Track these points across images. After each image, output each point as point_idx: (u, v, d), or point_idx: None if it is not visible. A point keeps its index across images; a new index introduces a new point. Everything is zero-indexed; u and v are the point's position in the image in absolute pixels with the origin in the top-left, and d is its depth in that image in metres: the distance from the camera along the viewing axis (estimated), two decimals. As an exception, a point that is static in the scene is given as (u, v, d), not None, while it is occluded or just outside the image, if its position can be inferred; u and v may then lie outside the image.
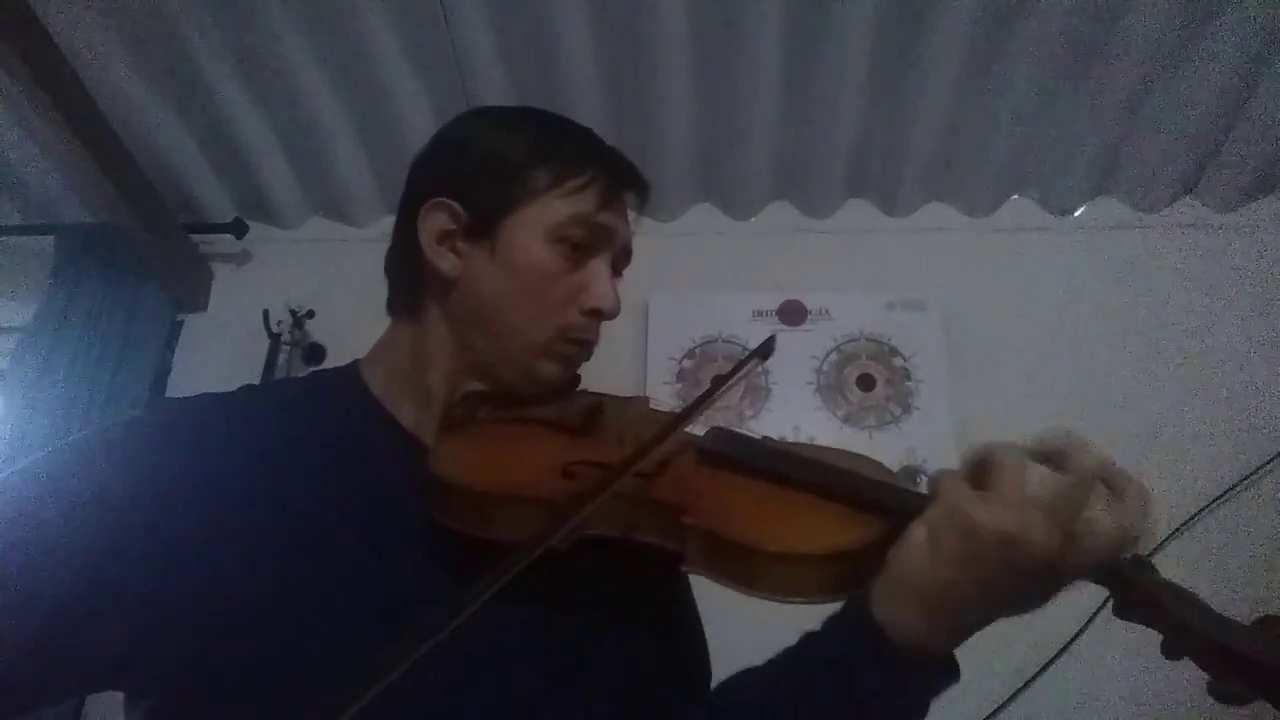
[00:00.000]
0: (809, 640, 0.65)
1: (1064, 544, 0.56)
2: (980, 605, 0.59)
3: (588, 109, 1.95)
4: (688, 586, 0.86)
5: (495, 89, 1.96)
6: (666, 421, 0.72)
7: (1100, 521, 0.57)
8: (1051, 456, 0.60)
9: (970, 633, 0.61)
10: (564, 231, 0.78)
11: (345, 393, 0.82)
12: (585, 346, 0.82)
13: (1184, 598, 0.57)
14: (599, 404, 0.80)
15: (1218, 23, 1.79)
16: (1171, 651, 0.57)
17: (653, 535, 0.66)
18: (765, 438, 0.77)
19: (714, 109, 2.02)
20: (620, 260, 0.84)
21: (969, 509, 0.58)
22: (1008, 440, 0.61)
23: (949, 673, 0.62)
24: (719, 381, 0.81)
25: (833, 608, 0.64)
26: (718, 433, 0.75)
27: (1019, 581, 0.58)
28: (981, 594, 0.58)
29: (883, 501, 0.65)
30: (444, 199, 0.79)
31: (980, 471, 0.60)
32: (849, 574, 0.62)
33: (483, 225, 0.78)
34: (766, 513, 0.67)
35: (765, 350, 0.86)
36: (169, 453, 0.71)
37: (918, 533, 0.60)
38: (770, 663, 0.67)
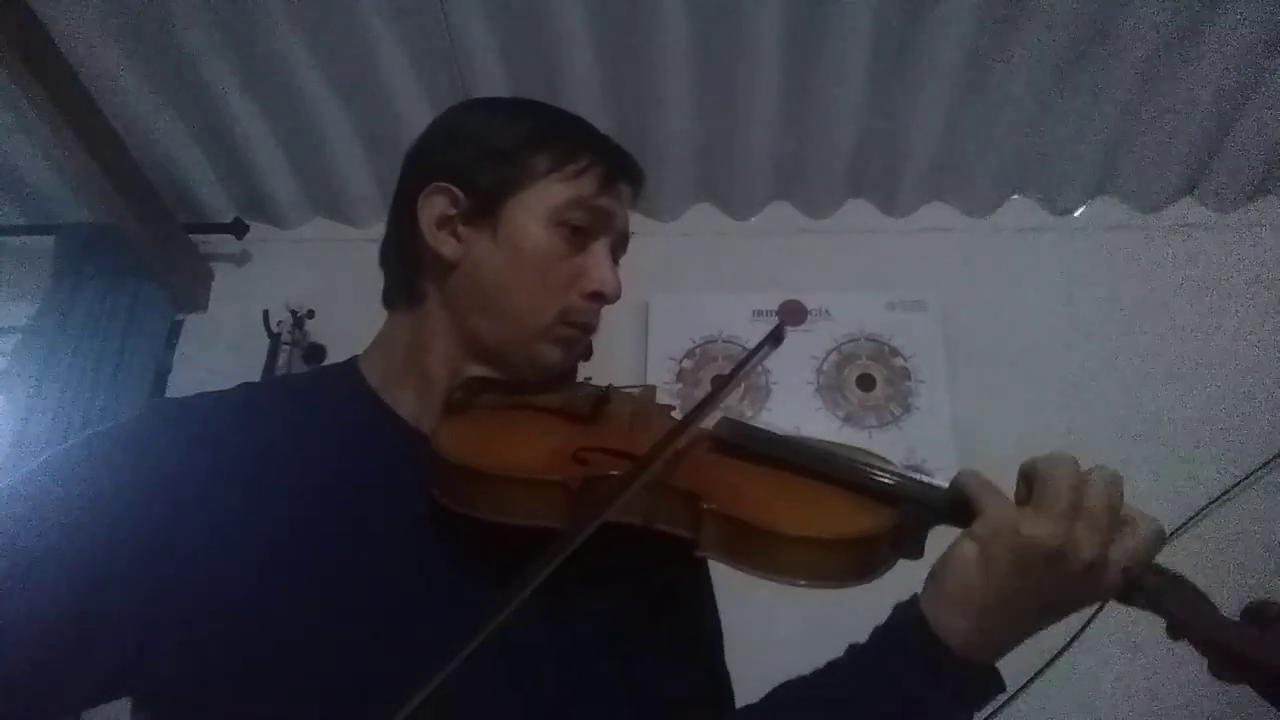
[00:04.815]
0: (860, 652, 0.66)
1: (1105, 545, 0.58)
2: (1031, 613, 0.61)
3: (588, 109, 1.94)
4: (709, 594, 0.85)
5: (495, 89, 1.95)
6: (699, 403, 0.72)
7: (1138, 520, 0.60)
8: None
9: (1018, 642, 0.62)
10: (564, 214, 0.78)
11: (343, 388, 0.82)
12: (587, 331, 0.81)
13: (1187, 593, 0.58)
14: (605, 393, 0.80)
15: (1218, 23, 1.79)
16: (1176, 634, 0.58)
17: (669, 523, 0.66)
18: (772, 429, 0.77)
19: (714, 109, 2.02)
20: (619, 248, 0.84)
21: (1020, 525, 0.59)
22: (1056, 452, 0.61)
23: (996, 684, 0.63)
24: (722, 378, 0.81)
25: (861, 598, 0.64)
26: (729, 422, 0.76)
27: (1068, 588, 0.59)
28: (1032, 602, 0.60)
29: (896, 491, 0.66)
30: (444, 183, 0.79)
31: (1025, 484, 0.61)
32: (864, 560, 0.63)
33: (483, 209, 0.78)
34: (783, 499, 0.67)
35: (776, 337, 0.86)
36: (167, 453, 0.71)
37: (967, 549, 0.60)
38: (817, 674, 0.67)
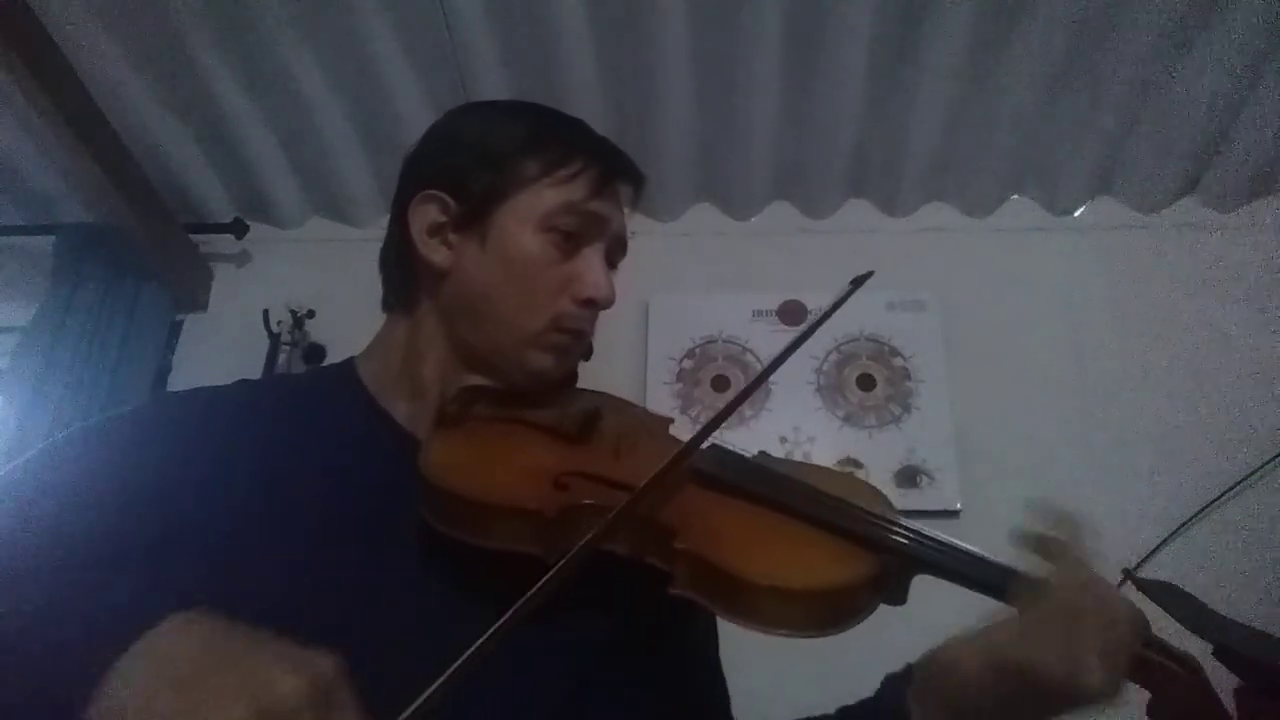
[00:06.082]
0: None
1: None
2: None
3: (588, 109, 1.95)
4: (709, 621, 0.84)
5: (495, 89, 1.96)
6: (702, 429, 0.70)
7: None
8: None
9: None
10: (555, 220, 0.77)
11: (340, 389, 0.82)
12: (579, 337, 0.80)
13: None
14: (597, 410, 0.79)
15: (1218, 23, 1.79)
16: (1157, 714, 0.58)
17: (645, 554, 0.66)
18: (761, 453, 0.76)
19: (714, 109, 2.02)
20: (615, 251, 0.83)
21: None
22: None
23: None
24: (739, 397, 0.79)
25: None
26: (716, 453, 0.74)
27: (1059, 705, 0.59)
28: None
29: (878, 538, 0.65)
30: (434, 191, 0.79)
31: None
32: (842, 609, 0.62)
33: (473, 216, 0.78)
34: (760, 542, 0.66)
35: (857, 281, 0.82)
36: (167, 447, 0.71)
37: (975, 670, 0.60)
38: None
